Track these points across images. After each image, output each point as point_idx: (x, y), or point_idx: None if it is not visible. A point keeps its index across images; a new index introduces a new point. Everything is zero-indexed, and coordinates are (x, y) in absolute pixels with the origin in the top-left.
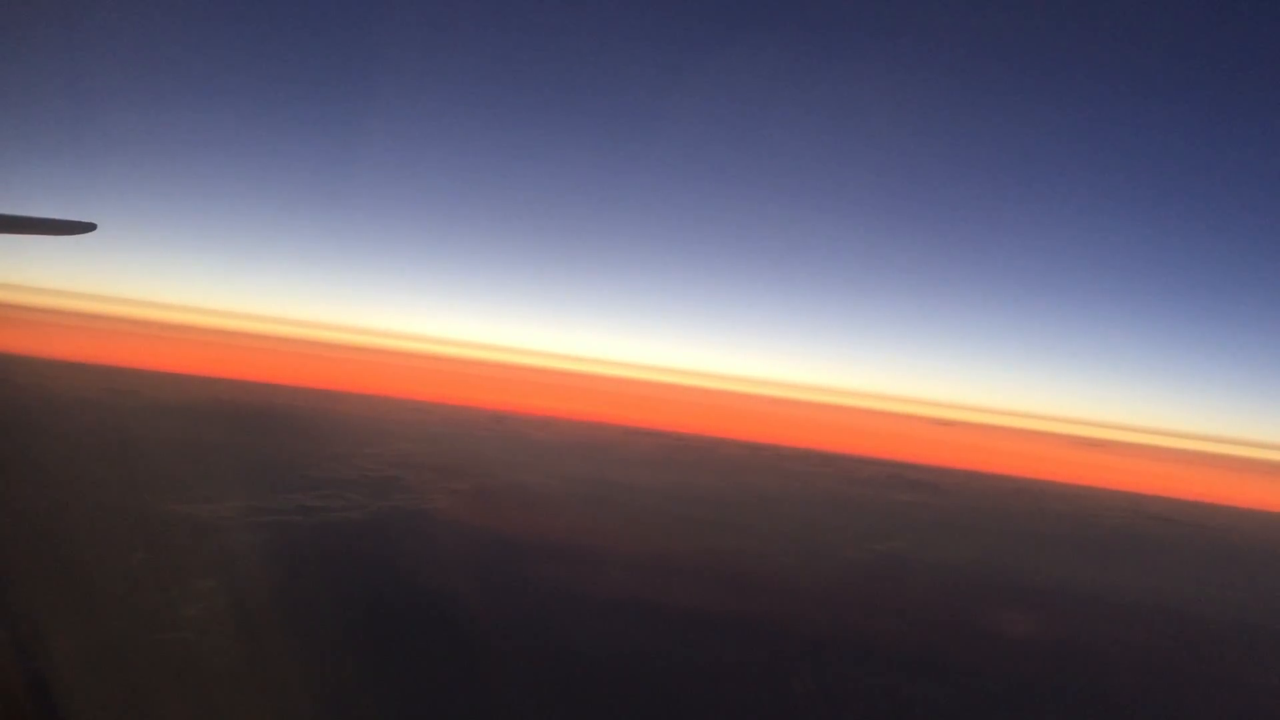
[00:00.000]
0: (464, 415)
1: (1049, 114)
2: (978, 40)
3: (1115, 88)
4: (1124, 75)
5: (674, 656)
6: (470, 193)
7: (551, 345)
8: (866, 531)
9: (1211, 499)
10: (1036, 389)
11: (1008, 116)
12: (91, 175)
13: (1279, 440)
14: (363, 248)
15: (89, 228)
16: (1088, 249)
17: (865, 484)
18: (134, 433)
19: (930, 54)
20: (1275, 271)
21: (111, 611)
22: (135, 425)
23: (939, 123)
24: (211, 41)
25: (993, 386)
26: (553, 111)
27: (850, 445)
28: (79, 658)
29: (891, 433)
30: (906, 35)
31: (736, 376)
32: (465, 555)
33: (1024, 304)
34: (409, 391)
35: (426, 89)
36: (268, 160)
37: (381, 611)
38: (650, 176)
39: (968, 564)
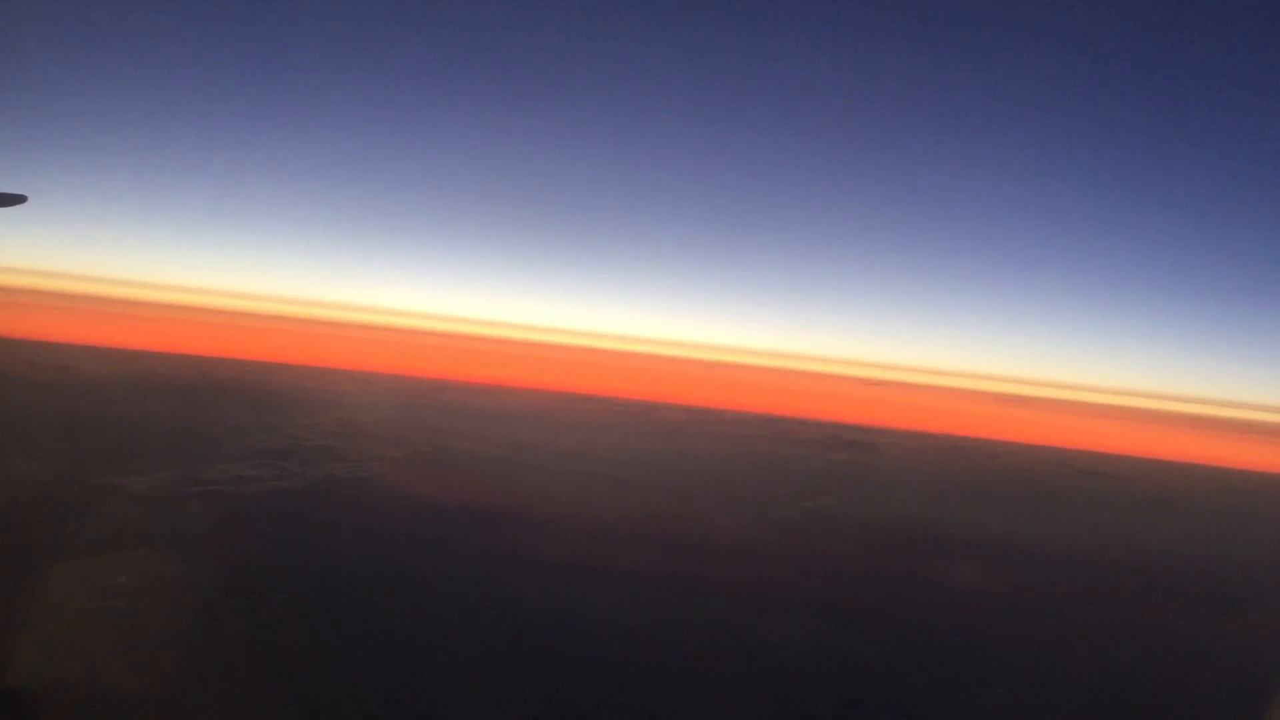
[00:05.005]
0: (405, 385)
1: (989, 72)
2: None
3: (1051, 44)
4: (1050, 31)
5: (604, 615)
6: (409, 159)
7: (492, 314)
8: (799, 490)
9: (1139, 453)
10: (967, 347)
11: (945, 74)
12: (23, 146)
13: (1206, 394)
14: (301, 218)
15: (20, 199)
16: (1017, 208)
17: (802, 444)
18: (67, 407)
19: (863, 24)
20: (1203, 229)
21: (39, 580)
22: (68, 400)
23: (870, 82)
24: (149, 4)
25: (926, 346)
26: (500, 82)
27: (788, 408)
28: (4, 625)
29: (829, 394)
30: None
31: (677, 342)
32: (396, 520)
33: (953, 263)
34: (349, 362)
35: (373, 58)
36: (200, 128)
37: (309, 576)
38: (591, 147)
39: (896, 518)
